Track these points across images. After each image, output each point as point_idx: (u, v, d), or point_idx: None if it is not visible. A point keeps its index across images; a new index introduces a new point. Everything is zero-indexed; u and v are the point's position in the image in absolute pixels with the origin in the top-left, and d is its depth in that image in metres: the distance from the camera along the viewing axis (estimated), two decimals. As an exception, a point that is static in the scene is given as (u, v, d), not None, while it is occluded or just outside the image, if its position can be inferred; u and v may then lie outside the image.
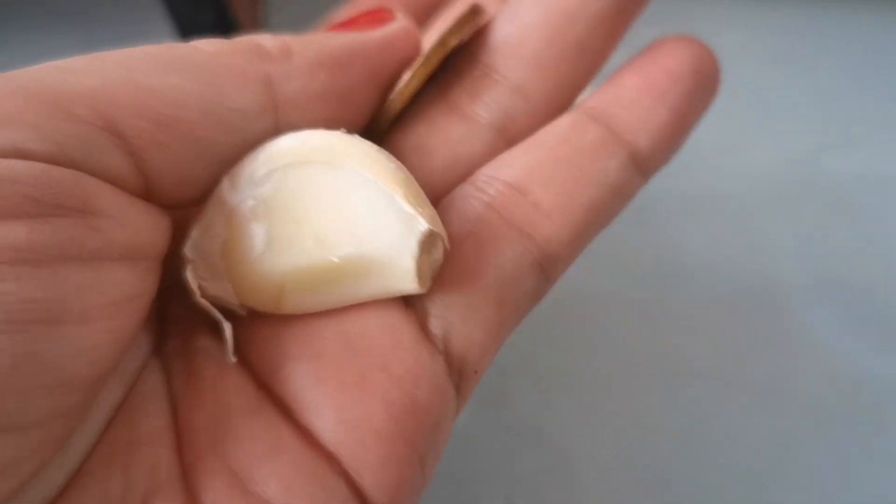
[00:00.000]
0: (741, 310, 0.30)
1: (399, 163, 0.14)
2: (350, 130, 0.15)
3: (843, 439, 0.27)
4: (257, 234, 0.14)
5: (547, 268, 0.15)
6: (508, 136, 0.17)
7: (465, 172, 0.16)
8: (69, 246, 0.11)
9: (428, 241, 0.13)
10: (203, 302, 0.14)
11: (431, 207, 0.14)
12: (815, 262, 0.31)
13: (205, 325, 0.15)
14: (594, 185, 0.16)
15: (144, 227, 0.13)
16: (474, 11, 0.17)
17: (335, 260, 0.13)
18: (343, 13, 0.18)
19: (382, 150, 0.14)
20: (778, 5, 0.39)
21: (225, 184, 0.14)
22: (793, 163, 0.34)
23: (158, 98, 0.12)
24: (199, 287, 0.14)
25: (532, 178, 0.16)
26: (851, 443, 0.27)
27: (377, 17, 0.16)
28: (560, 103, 0.17)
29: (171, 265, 0.14)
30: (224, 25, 0.36)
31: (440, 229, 0.13)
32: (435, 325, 0.14)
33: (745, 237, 0.32)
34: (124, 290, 0.12)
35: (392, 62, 0.16)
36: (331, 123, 0.15)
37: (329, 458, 0.13)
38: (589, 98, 0.17)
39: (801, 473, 0.27)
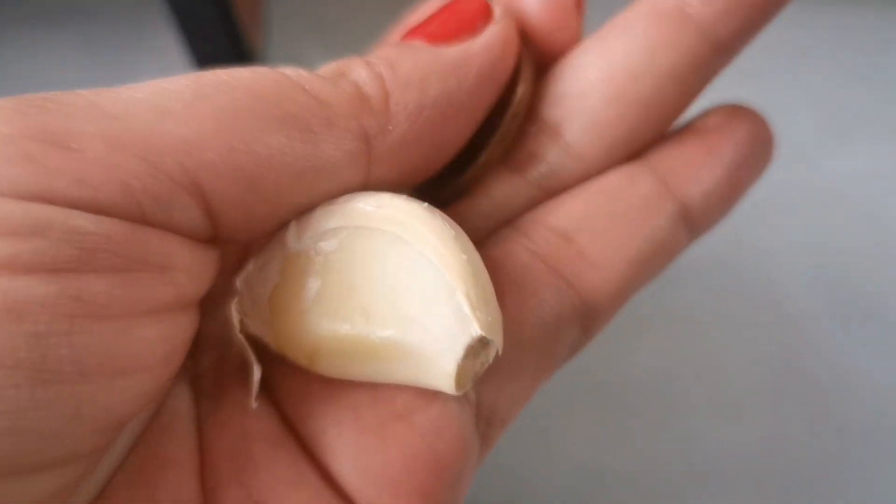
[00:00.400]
0: (739, 308, 0.30)
1: (475, 253, 0.13)
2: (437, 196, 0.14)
3: (841, 437, 0.28)
4: (310, 287, 0.13)
5: (587, 320, 0.15)
6: (552, 191, 0.16)
7: (505, 218, 0.16)
8: (146, 300, 0.11)
9: (477, 346, 0.12)
10: (240, 338, 0.14)
11: (496, 309, 0.13)
12: (814, 260, 0.31)
13: (234, 349, 0.15)
14: (642, 240, 0.15)
15: (208, 274, 0.12)
16: (533, 67, 0.16)
17: (376, 339, 0.13)
18: (421, 12, 0.16)
19: (461, 235, 0.13)
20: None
21: (292, 228, 0.13)
22: (792, 160, 0.34)
23: (252, 159, 0.12)
24: (241, 322, 0.14)
25: (580, 226, 0.15)
26: (849, 441, 0.28)
27: (466, 17, 0.15)
28: (614, 162, 0.16)
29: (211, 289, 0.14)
30: (225, 22, 0.36)
31: (496, 336, 0.12)
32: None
33: (744, 235, 0.32)
34: (185, 336, 0.12)
35: (494, 86, 0.15)
36: (419, 169, 0.14)
37: (348, 501, 0.13)
38: (647, 152, 0.17)
39: (799, 472, 0.27)
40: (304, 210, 0.13)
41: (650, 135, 0.16)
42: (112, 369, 0.10)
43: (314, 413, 0.13)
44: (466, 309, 0.12)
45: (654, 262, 0.16)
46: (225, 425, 0.13)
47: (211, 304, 0.14)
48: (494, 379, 0.14)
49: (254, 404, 0.13)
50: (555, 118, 0.16)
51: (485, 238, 0.16)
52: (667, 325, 0.30)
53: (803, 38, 0.39)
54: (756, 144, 0.16)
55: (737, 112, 0.17)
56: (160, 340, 0.11)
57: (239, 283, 0.14)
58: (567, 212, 0.16)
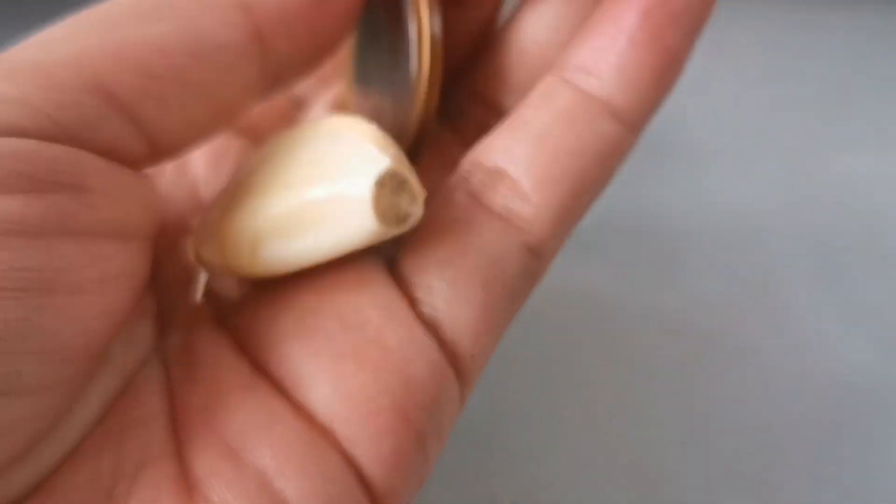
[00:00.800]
0: (745, 310, 0.30)
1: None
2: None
3: (844, 437, 0.27)
4: (240, 191, 0.14)
5: (535, 248, 0.15)
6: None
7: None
8: (62, 220, 0.11)
9: (392, 181, 0.13)
10: (193, 260, 0.14)
11: (403, 155, 0.14)
12: (821, 262, 0.31)
13: (206, 321, 0.15)
14: (573, 156, 0.15)
15: (136, 206, 0.13)
16: None
17: (302, 202, 0.13)
18: None
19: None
20: (784, 4, 0.39)
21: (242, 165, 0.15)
22: (799, 163, 0.34)
23: (140, 48, 0.12)
24: (196, 250, 0.14)
25: (508, 159, 0.15)
26: (851, 441, 0.27)
27: None
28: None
29: (173, 261, 0.14)
30: None
31: (406, 170, 0.13)
32: (425, 307, 0.14)
33: (751, 237, 0.32)
34: (116, 265, 0.12)
35: None
36: (315, 46, 0.15)
37: (323, 431, 0.13)
38: (559, 58, 0.16)
39: (800, 470, 0.27)
40: (231, 104, 0.14)
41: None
42: (32, 286, 0.10)
43: (288, 351, 0.13)
44: (374, 150, 0.13)
45: (594, 174, 0.15)
46: (196, 383, 0.14)
47: (179, 283, 0.15)
48: (447, 312, 0.14)
49: (198, 298, 0.14)
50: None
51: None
52: (670, 322, 0.30)
53: (808, 40, 0.39)
54: (680, 3, 0.15)
55: None
56: (80, 262, 0.11)
57: (196, 222, 0.15)
58: (497, 147, 0.15)
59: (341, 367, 0.13)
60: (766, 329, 0.30)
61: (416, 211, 0.13)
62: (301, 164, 0.14)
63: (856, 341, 0.29)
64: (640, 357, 0.29)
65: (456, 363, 0.14)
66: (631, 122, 0.15)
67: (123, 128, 0.12)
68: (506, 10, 0.19)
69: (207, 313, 0.15)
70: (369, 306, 0.14)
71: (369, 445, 0.13)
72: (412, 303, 0.14)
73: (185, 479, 0.12)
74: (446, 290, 0.14)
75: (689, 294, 0.30)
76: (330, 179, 0.13)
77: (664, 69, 0.15)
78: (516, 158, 0.15)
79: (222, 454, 0.13)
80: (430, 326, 0.14)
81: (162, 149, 0.13)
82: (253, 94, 0.15)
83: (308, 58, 0.15)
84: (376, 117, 0.17)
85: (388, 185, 0.13)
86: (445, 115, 0.18)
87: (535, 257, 0.15)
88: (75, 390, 0.12)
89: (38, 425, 0.11)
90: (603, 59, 0.15)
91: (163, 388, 0.14)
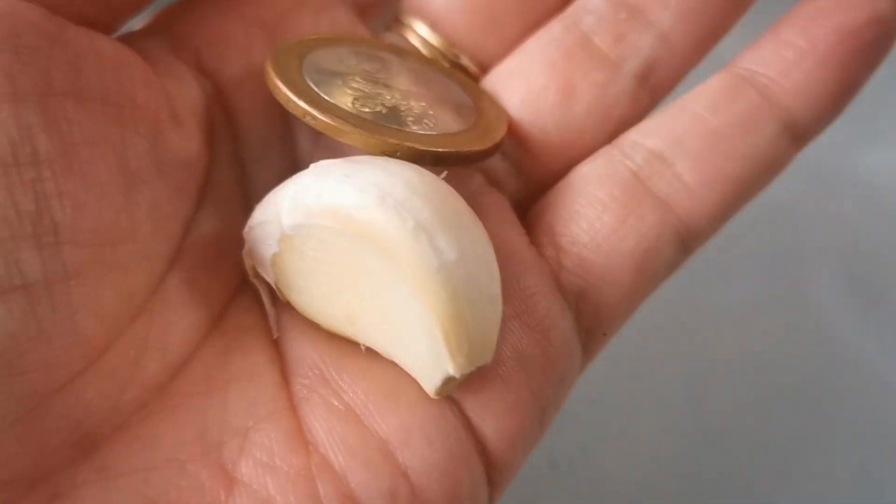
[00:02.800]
0: (767, 307, 0.30)
1: (477, 262, 0.12)
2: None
3: (866, 440, 0.27)
4: (303, 276, 0.13)
5: (687, 240, 0.15)
6: (651, 85, 0.16)
7: (612, 121, 0.16)
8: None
9: (456, 381, 0.12)
10: (255, 282, 0.14)
11: (483, 335, 0.12)
12: (844, 259, 0.31)
13: None
14: (743, 160, 0.15)
15: (126, 77, 0.13)
16: None
17: (362, 345, 0.13)
18: None
19: (451, 254, 0.12)
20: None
21: (286, 203, 0.13)
22: (823, 158, 0.34)
23: None
24: (252, 268, 0.14)
25: (678, 148, 0.15)
26: (875, 444, 0.27)
27: None
28: (703, 51, 0.16)
29: None
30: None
31: (473, 367, 0.12)
32: (570, 282, 0.14)
33: (773, 233, 0.32)
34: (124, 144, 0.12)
35: None
36: None
37: (451, 403, 0.13)
38: (743, 56, 0.16)
39: (825, 475, 0.27)
40: None
41: (730, 24, 0.16)
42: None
43: None
44: (443, 350, 0.12)
45: (756, 180, 0.15)
46: (309, 340, 0.14)
47: None
48: (595, 291, 0.14)
49: (276, 334, 0.14)
50: (645, 6, 0.16)
51: (591, 143, 0.16)
52: (690, 321, 0.30)
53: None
54: (871, 32, 0.15)
55: None
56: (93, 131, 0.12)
57: (245, 235, 0.14)
58: (665, 132, 0.15)
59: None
60: (790, 327, 0.29)
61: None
62: (360, 297, 0.13)
63: (879, 339, 0.29)
64: (662, 353, 0.29)
65: (588, 339, 0.15)
66: (802, 138, 0.15)
67: None
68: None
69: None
70: (508, 277, 0.14)
71: (497, 420, 0.13)
72: (557, 271, 0.15)
73: (302, 439, 0.12)
74: (601, 268, 0.14)
75: (711, 289, 0.30)
76: (394, 347, 0.13)
77: (844, 95, 0.15)
78: (686, 150, 0.15)
79: (344, 418, 0.12)
80: (572, 299, 0.14)
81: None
82: None
83: None
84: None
85: (451, 382, 0.12)
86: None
87: (684, 249, 0.15)
88: (113, 276, 0.12)
89: (71, 323, 0.11)
90: (790, 71, 0.15)
91: (269, 340, 0.14)
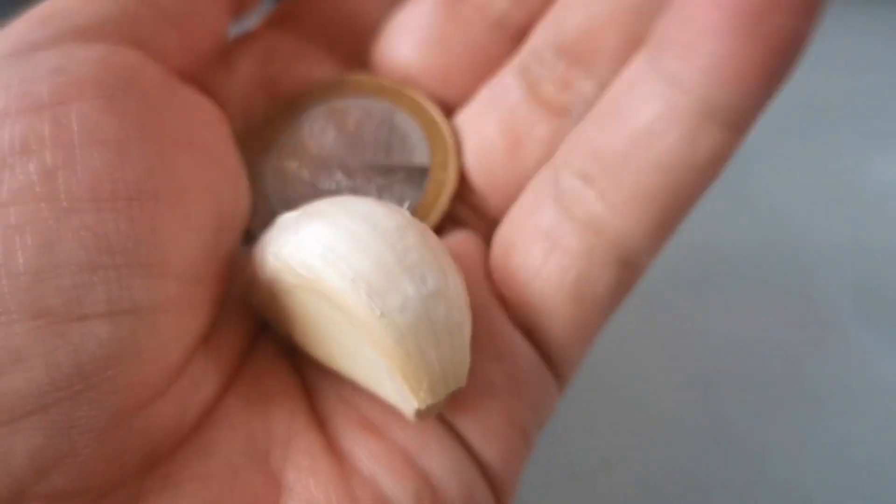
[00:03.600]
0: (777, 315, 0.29)
1: (413, 300, 0.12)
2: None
3: (874, 443, 0.27)
4: (291, 317, 0.14)
5: (627, 260, 0.14)
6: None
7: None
8: (140, 127, 0.13)
9: (431, 409, 0.13)
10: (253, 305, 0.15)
11: (451, 367, 0.13)
12: (855, 269, 0.30)
13: None
14: (662, 168, 0.13)
15: (200, 118, 0.14)
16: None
17: (349, 377, 0.14)
18: None
19: (394, 299, 0.12)
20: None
21: (269, 250, 0.13)
22: (836, 168, 0.34)
23: None
24: (255, 303, 0.15)
25: (596, 164, 0.14)
26: (883, 447, 0.27)
27: None
28: None
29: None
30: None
31: (440, 398, 0.13)
32: (517, 318, 0.15)
33: (784, 241, 0.32)
34: (198, 177, 0.13)
35: None
36: None
37: (448, 428, 0.14)
38: (651, 35, 0.13)
39: (833, 484, 0.26)
40: None
41: None
42: (136, 197, 0.12)
43: None
44: (405, 389, 0.12)
45: (689, 183, 0.13)
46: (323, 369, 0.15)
47: None
48: (540, 328, 0.15)
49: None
50: None
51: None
52: (701, 328, 0.30)
53: (849, 40, 0.38)
54: None
55: None
56: (169, 172, 0.13)
57: (248, 268, 0.14)
58: (587, 148, 0.14)
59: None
60: (804, 341, 0.29)
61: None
62: (336, 343, 0.14)
63: (888, 346, 0.29)
64: (671, 358, 0.29)
65: (555, 370, 0.15)
66: (733, 123, 0.12)
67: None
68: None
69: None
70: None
71: (479, 440, 0.14)
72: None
73: (333, 450, 0.14)
74: (539, 306, 0.15)
75: (723, 304, 0.30)
76: (372, 383, 0.14)
77: (771, 58, 0.12)
78: (604, 164, 0.14)
79: (366, 429, 0.14)
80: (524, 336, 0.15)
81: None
82: None
83: None
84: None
85: (428, 410, 0.13)
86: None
87: (629, 268, 0.14)
88: (192, 310, 0.13)
89: (163, 348, 0.12)
90: (695, 50, 0.12)
91: (291, 366, 0.15)
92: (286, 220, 0.14)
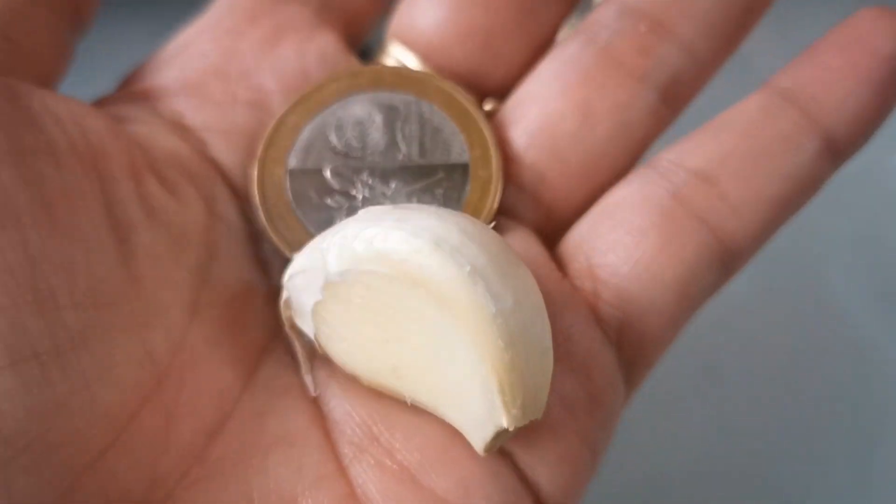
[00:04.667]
0: (788, 307, 0.29)
1: (527, 310, 0.12)
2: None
3: (883, 439, 0.27)
4: (347, 325, 0.13)
5: (728, 263, 0.15)
6: (671, 99, 0.16)
7: (634, 141, 0.16)
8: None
9: (507, 433, 0.12)
10: (289, 334, 0.14)
11: (536, 389, 0.12)
12: (869, 260, 0.30)
13: None
14: (785, 179, 0.15)
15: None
16: None
17: (407, 398, 0.13)
18: None
19: (507, 300, 0.11)
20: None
21: (333, 250, 0.12)
22: (853, 161, 0.33)
23: None
24: (289, 319, 0.14)
25: (720, 168, 0.15)
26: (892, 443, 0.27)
27: None
28: (723, 59, 0.16)
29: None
30: None
31: (527, 420, 0.12)
32: (609, 315, 0.14)
33: (794, 226, 0.31)
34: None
35: None
36: None
37: (503, 456, 0.13)
38: (781, 75, 0.16)
39: (847, 481, 0.27)
40: None
41: (747, 32, 0.16)
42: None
43: None
44: (498, 401, 0.11)
45: (797, 199, 0.15)
46: (351, 395, 0.13)
47: None
48: (637, 322, 0.14)
49: (313, 393, 0.13)
50: (666, 17, 0.16)
51: (614, 166, 0.15)
52: (709, 320, 0.30)
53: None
54: None
55: (882, 16, 0.15)
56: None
57: (285, 282, 0.13)
58: (705, 152, 0.15)
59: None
60: (816, 332, 0.29)
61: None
62: (408, 346, 0.12)
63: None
64: (680, 353, 0.29)
65: (630, 371, 0.15)
66: (840, 157, 0.15)
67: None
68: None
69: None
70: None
71: (550, 469, 0.13)
72: (595, 302, 0.14)
73: (356, 500, 0.12)
74: (642, 299, 0.14)
75: (734, 292, 0.30)
76: (442, 400, 0.12)
77: (880, 115, 0.15)
78: (729, 169, 0.15)
79: (399, 478, 0.12)
80: (612, 333, 0.14)
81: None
82: None
83: None
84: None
85: (502, 437, 0.12)
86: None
87: (725, 272, 0.15)
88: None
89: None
90: (831, 91, 0.15)
91: (306, 400, 0.13)
92: (375, 212, 0.12)
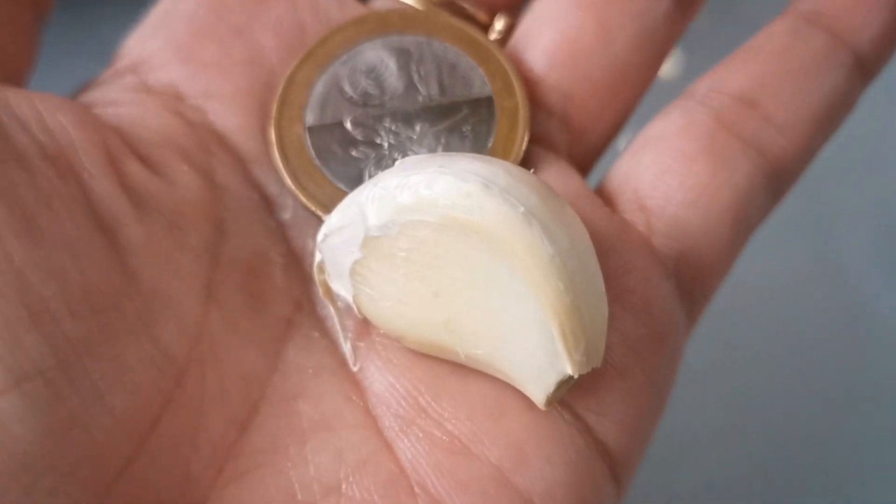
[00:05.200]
0: (795, 266, 0.29)
1: (582, 257, 0.11)
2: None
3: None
4: (391, 281, 0.12)
5: (777, 185, 0.15)
6: (684, 1, 0.15)
7: (655, 49, 0.15)
8: None
9: (569, 382, 0.11)
10: (327, 301, 0.13)
11: (597, 333, 0.11)
12: (876, 223, 0.30)
13: None
14: (824, 96, 0.15)
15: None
16: None
17: (461, 354, 0.12)
18: None
19: (563, 243, 0.11)
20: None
21: (372, 205, 0.11)
22: (861, 126, 0.33)
23: None
24: (323, 283, 0.13)
25: (760, 90, 0.15)
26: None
27: None
28: None
29: None
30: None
31: (590, 367, 0.11)
32: (665, 246, 0.14)
33: (803, 196, 0.31)
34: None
35: None
36: None
37: (563, 409, 0.12)
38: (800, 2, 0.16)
39: (866, 468, 0.26)
40: None
41: None
42: None
43: None
44: (560, 347, 0.11)
45: (835, 118, 0.15)
46: (393, 366, 0.13)
47: None
48: (693, 252, 0.14)
49: (354, 368, 0.13)
50: None
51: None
52: (721, 303, 0.29)
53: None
54: None
55: None
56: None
57: (319, 244, 0.12)
58: (742, 76, 0.15)
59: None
60: (821, 291, 0.29)
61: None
62: (461, 297, 0.11)
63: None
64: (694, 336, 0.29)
65: (691, 304, 0.14)
66: (869, 75, 0.15)
67: None
68: None
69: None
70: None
71: (613, 416, 0.12)
72: (649, 236, 0.14)
73: (405, 482, 0.11)
74: (697, 226, 0.14)
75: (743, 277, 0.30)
76: (499, 352, 0.12)
77: None
78: (769, 91, 0.15)
79: (451, 449, 0.12)
80: (670, 263, 0.14)
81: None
82: None
83: None
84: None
85: (564, 386, 0.11)
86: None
87: (774, 194, 0.15)
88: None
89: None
90: (854, 10, 0.15)
91: (341, 376, 0.13)
92: (413, 161, 0.12)
